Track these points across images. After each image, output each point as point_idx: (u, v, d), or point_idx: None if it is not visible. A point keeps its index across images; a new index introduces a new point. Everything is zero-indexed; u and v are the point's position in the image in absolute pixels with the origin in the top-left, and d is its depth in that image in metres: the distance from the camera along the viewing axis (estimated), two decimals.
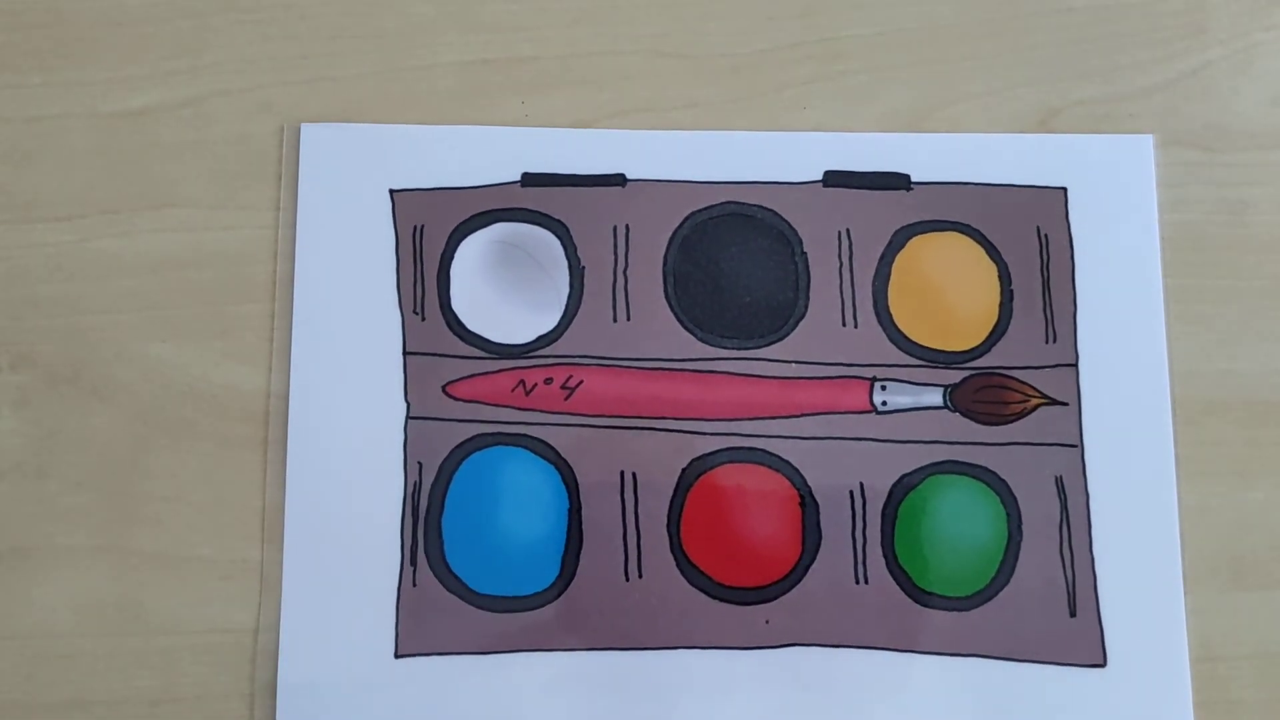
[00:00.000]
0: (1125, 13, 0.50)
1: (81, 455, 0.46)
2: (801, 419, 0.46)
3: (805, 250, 0.48)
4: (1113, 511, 0.46)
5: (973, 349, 0.47)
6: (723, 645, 0.45)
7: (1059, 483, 0.46)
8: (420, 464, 0.46)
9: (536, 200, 0.48)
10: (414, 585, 0.45)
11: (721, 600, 0.45)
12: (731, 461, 0.46)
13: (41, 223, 0.47)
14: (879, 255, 0.48)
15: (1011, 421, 0.46)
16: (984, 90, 0.49)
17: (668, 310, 0.47)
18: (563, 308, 0.47)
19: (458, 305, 0.47)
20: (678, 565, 0.45)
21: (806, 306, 0.47)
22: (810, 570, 0.46)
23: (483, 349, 0.47)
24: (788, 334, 0.47)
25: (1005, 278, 0.48)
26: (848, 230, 0.48)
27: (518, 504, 0.46)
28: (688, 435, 0.46)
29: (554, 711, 0.44)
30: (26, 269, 0.47)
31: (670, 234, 0.48)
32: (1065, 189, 0.48)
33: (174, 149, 0.48)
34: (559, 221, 0.48)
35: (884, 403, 0.46)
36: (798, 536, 0.46)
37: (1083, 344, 0.47)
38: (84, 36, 0.49)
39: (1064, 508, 0.46)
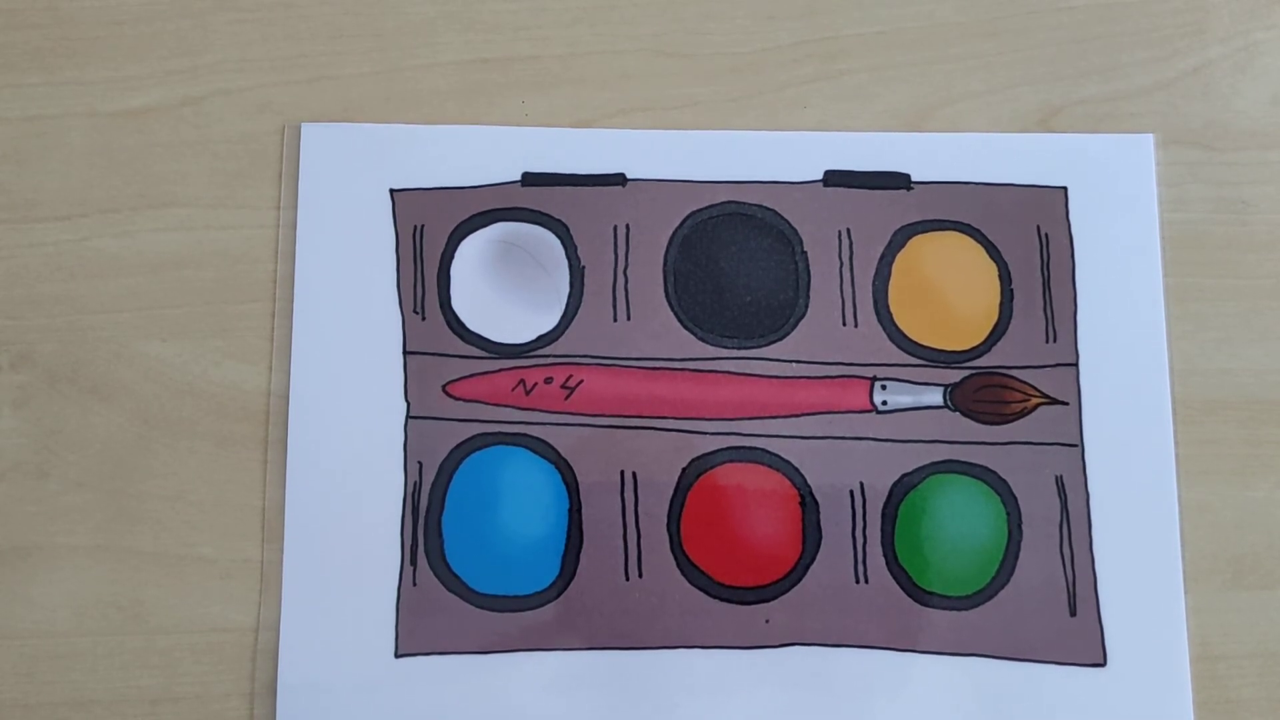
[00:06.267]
0: (1125, 12, 0.50)
1: (81, 455, 0.46)
2: (801, 418, 0.46)
3: (805, 250, 0.48)
4: (1113, 511, 0.46)
5: (973, 348, 0.47)
6: (723, 645, 0.45)
7: (1059, 482, 0.46)
8: (420, 464, 0.46)
9: (536, 200, 0.48)
10: (414, 585, 0.45)
11: (721, 600, 0.45)
12: (732, 461, 0.46)
13: (41, 222, 0.47)
14: (879, 255, 0.48)
15: (1011, 421, 0.46)
16: (984, 90, 0.49)
17: (668, 310, 0.47)
18: (563, 307, 0.47)
19: (458, 305, 0.47)
20: (678, 565, 0.45)
21: (807, 306, 0.47)
22: (810, 570, 0.46)
23: (483, 349, 0.47)
24: (788, 333, 0.47)
25: (1005, 277, 0.48)
26: (848, 230, 0.48)
27: (518, 504, 0.46)
28: (688, 435, 0.46)
29: (554, 711, 0.44)
30: (26, 268, 0.47)
31: (670, 233, 0.48)
32: (1065, 188, 0.48)
33: (174, 149, 0.48)
34: (559, 221, 0.48)
35: (884, 402, 0.46)
36: (798, 536, 0.46)
37: (1083, 344, 0.47)
38: (84, 36, 0.49)
39: (1064, 507, 0.46)
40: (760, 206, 0.48)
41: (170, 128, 0.48)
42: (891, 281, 0.47)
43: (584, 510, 0.46)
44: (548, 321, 0.47)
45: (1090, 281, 0.47)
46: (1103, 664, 0.45)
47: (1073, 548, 0.46)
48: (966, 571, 0.46)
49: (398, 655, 0.45)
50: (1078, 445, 0.46)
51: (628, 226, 0.48)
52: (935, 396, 0.47)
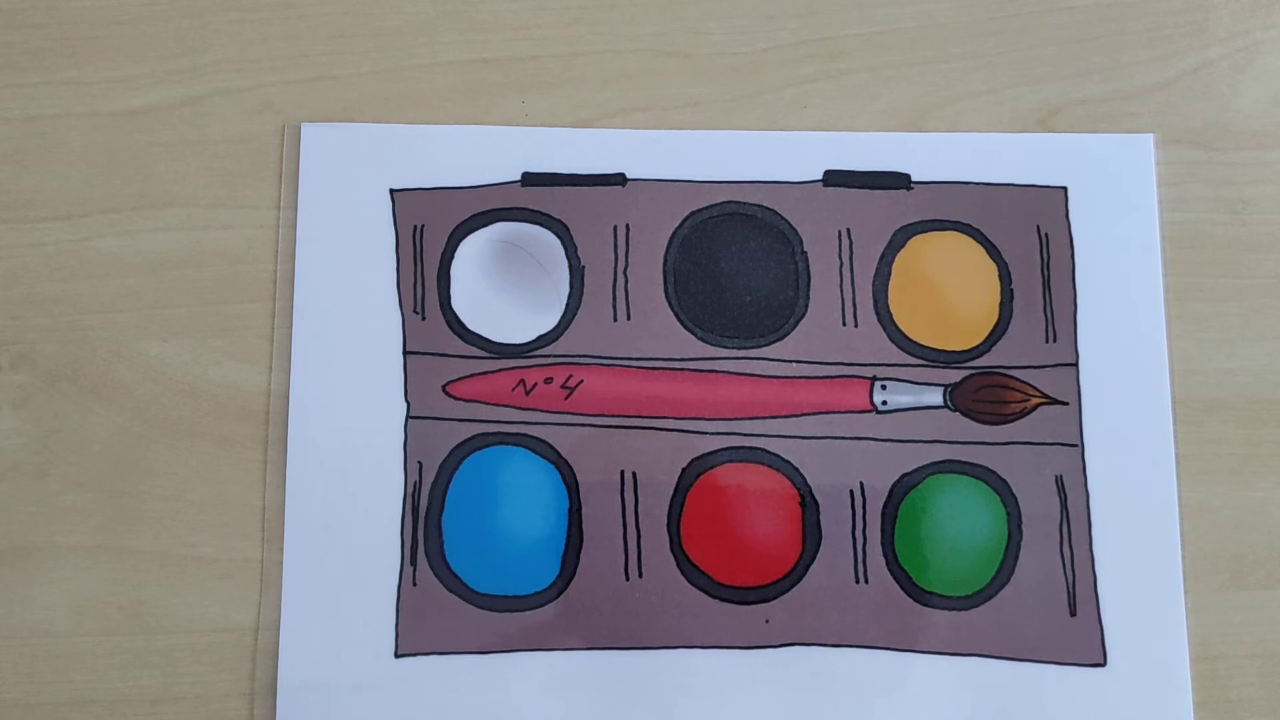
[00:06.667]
0: (1125, 11, 0.50)
1: (81, 455, 0.46)
2: (801, 418, 0.46)
3: (805, 250, 0.48)
4: (1113, 511, 0.46)
5: (973, 348, 0.47)
6: (723, 645, 0.45)
7: (1059, 482, 0.46)
8: (420, 464, 0.46)
9: (536, 200, 0.48)
10: (414, 585, 0.45)
11: (721, 600, 0.45)
12: (732, 461, 0.46)
13: (41, 222, 0.47)
14: (879, 255, 0.48)
15: (1011, 421, 0.46)
16: (984, 90, 0.49)
17: (668, 310, 0.47)
18: (563, 307, 0.47)
19: (458, 305, 0.47)
20: (678, 565, 0.45)
21: (807, 306, 0.47)
22: (810, 570, 0.46)
23: (483, 349, 0.47)
24: (788, 333, 0.47)
25: (1005, 277, 0.48)
26: (848, 230, 0.48)
27: (518, 504, 0.46)
28: (688, 435, 0.46)
29: (554, 711, 0.44)
30: (26, 268, 0.47)
31: (670, 233, 0.48)
32: (1065, 188, 0.48)
33: (174, 149, 0.48)
34: (559, 221, 0.48)
35: (884, 402, 0.46)
36: (798, 536, 0.46)
37: (1083, 343, 0.47)
38: (84, 36, 0.49)
39: (1064, 507, 0.46)
40: (760, 206, 0.48)
41: (170, 128, 0.48)
42: (891, 281, 0.47)
43: (584, 510, 0.46)
44: (548, 321, 0.47)
45: (1090, 281, 0.47)
46: (1103, 664, 0.45)
47: (1073, 548, 0.46)
48: (966, 571, 0.46)
49: (398, 655, 0.45)
50: (1078, 445, 0.46)
51: (628, 226, 0.48)
52: (935, 396, 0.47)
